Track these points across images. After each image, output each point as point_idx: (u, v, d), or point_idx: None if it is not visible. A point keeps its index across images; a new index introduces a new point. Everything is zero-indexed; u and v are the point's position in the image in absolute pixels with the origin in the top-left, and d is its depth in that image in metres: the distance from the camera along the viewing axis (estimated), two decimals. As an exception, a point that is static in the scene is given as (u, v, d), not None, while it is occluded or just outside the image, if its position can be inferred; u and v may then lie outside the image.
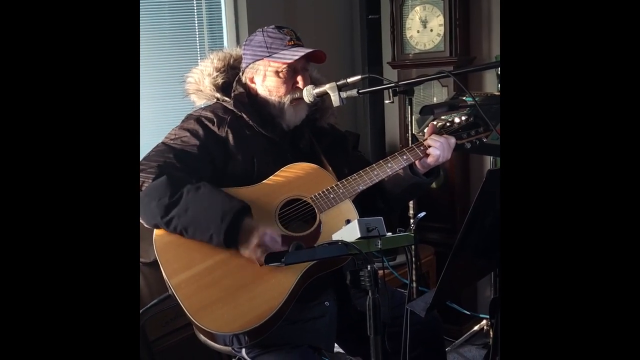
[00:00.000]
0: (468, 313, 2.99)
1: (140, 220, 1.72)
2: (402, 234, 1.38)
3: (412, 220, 2.21)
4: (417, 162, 1.84)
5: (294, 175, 1.80)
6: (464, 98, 2.28)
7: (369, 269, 1.28)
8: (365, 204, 1.87)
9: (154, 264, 1.75)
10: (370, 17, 3.07)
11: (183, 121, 1.87)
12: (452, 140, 1.83)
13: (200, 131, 1.80)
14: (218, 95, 1.90)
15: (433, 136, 1.82)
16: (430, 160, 1.81)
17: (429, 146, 1.81)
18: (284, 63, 1.81)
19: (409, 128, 2.12)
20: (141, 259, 2.42)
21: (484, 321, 3.06)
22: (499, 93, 2.49)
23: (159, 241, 1.71)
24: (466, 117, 1.90)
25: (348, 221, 1.38)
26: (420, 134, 2.19)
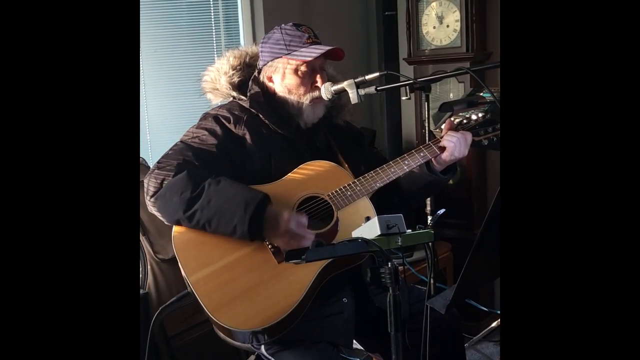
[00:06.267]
0: (486, 309, 2.98)
1: (161, 217, 1.74)
2: (422, 230, 1.38)
3: (430, 217, 2.20)
4: (433, 159, 1.83)
5: (311, 173, 1.80)
6: (482, 94, 2.27)
7: (389, 266, 1.28)
8: (380, 199, 1.87)
9: (172, 261, 1.76)
10: (386, 13, 3.06)
11: (200, 120, 1.88)
12: (469, 136, 1.82)
13: (218, 130, 1.81)
14: (234, 94, 1.90)
15: (449, 132, 1.81)
16: (445, 155, 1.80)
17: (444, 140, 1.79)
18: (304, 61, 1.81)
19: (426, 124, 2.11)
20: (159, 256, 2.44)
21: (502, 318, 3.04)
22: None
23: (178, 239, 1.72)
24: (483, 113, 1.89)
25: (368, 218, 1.38)
26: (438, 130, 2.18)
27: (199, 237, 1.71)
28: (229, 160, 1.79)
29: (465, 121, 1.89)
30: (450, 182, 3.06)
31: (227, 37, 3.08)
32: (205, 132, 1.80)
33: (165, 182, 1.69)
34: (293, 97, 1.85)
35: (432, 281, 1.57)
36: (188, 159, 1.74)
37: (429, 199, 2.30)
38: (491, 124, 1.86)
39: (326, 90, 1.82)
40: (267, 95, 1.89)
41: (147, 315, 2.31)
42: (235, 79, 1.91)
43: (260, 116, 1.84)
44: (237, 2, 3.09)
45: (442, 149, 1.80)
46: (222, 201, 1.65)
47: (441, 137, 1.82)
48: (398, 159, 1.82)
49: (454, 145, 1.78)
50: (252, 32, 3.10)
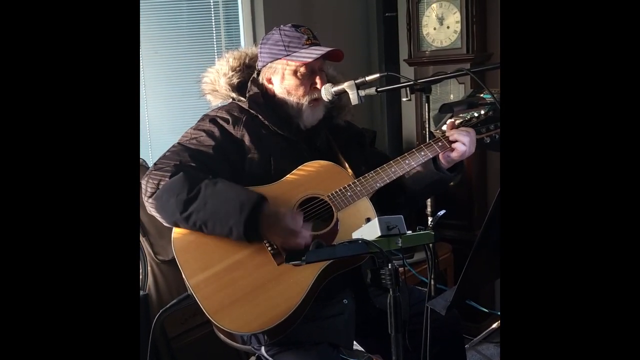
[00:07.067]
0: (486, 310, 2.96)
1: (159, 218, 1.74)
2: (422, 232, 1.37)
3: (430, 218, 2.20)
4: (441, 157, 1.82)
5: (310, 174, 1.80)
6: (482, 95, 2.27)
7: (389, 267, 1.28)
8: (386, 199, 1.87)
9: (173, 262, 1.76)
10: (386, 14, 3.07)
11: (199, 121, 1.88)
12: (473, 133, 1.81)
13: (216, 131, 1.81)
14: (233, 95, 1.90)
15: (461, 129, 1.80)
16: (455, 154, 1.80)
17: (455, 140, 1.79)
18: (303, 63, 1.81)
19: (426, 125, 2.11)
20: (160, 257, 2.44)
21: (502, 319, 3.03)
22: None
23: (178, 242, 1.72)
24: (485, 111, 1.89)
25: (368, 219, 1.38)
26: (438, 131, 2.18)
27: (199, 240, 1.71)
28: (227, 162, 1.79)
29: (467, 119, 1.88)
30: (451, 183, 3.07)
31: (227, 38, 3.07)
32: (203, 134, 1.80)
33: (162, 183, 1.69)
34: (292, 99, 1.85)
35: (432, 282, 1.57)
36: (185, 161, 1.74)
37: (429, 200, 2.30)
38: (493, 121, 1.85)
39: (326, 91, 1.82)
40: (267, 97, 1.88)
41: (147, 317, 2.31)
42: (235, 80, 1.91)
43: (260, 117, 1.84)
44: (237, 3, 3.09)
45: (444, 147, 1.80)
46: (217, 203, 1.65)
47: (443, 136, 1.82)
48: (398, 158, 1.81)
49: (465, 147, 1.77)
50: (253, 33, 3.10)
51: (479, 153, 3.20)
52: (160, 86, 2.95)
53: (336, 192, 1.77)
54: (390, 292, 1.30)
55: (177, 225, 1.72)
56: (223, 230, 1.66)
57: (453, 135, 1.79)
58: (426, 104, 1.94)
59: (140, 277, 2.42)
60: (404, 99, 1.87)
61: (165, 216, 1.72)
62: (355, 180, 1.79)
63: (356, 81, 1.79)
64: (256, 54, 1.94)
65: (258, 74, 1.91)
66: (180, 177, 1.68)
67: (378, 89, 1.82)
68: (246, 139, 1.81)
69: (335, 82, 1.84)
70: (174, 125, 2.93)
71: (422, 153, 1.81)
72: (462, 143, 1.77)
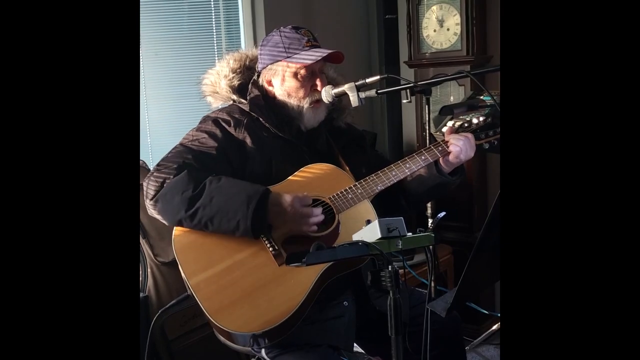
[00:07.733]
0: (486, 312, 2.97)
1: (161, 219, 1.74)
2: (422, 234, 1.37)
3: (430, 220, 2.20)
4: (442, 161, 1.83)
5: (311, 176, 1.80)
6: (482, 97, 2.27)
7: (389, 269, 1.28)
8: (388, 202, 1.87)
9: (172, 264, 1.76)
10: (387, 16, 3.07)
11: (200, 122, 1.87)
12: (472, 138, 1.82)
13: (218, 133, 1.81)
14: (234, 97, 1.90)
15: (454, 135, 1.81)
16: (451, 158, 1.80)
17: (451, 144, 1.80)
18: (303, 65, 1.81)
19: (427, 127, 2.11)
20: (160, 258, 2.44)
21: (502, 321, 3.03)
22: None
23: (178, 242, 1.72)
24: (484, 117, 1.90)
25: (368, 221, 1.38)
26: (438, 133, 2.18)
27: (200, 240, 1.71)
28: (229, 164, 1.79)
29: (466, 125, 1.89)
30: (452, 186, 3.06)
31: (228, 40, 3.07)
32: (205, 135, 1.80)
33: (166, 183, 1.69)
34: (293, 101, 1.85)
35: (432, 284, 1.57)
36: (188, 162, 1.74)
37: (430, 202, 2.30)
38: (492, 128, 1.86)
39: (327, 93, 1.82)
40: (267, 99, 1.88)
41: (147, 319, 2.31)
42: (235, 82, 1.91)
43: (261, 120, 1.84)
44: (238, 5, 3.09)
45: (444, 151, 1.80)
46: (224, 198, 1.65)
47: (443, 141, 1.82)
48: (399, 162, 1.82)
49: (459, 149, 1.78)
50: (253, 35, 3.10)
51: (479, 156, 3.20)
52: (161, 88, 2.95)
53: (337, 194, 1.77)
54: (391, 294, 1.30)
55: (181, 224, 1.72)
56: (230, 225, 1.65)
57: (449, 139, 1.80)
58: (426, 106, 1.95)
59: (140, 279, 2.42)
60: (404, 101, 1.87)
61: (169, 215, 1.71)
62: (357, 183, 1.79)
63: (356, 83, 1.79)
64: (256, 56, 1.94)
65: (258, 76, 1.91)
66: (184, 175, 1.69)
67: (378, 91, 1.82)
68: (247, 141, 1.81)
69: (335, 84, 1.85)
70: (174, 127, 2.93)
71: (423, 157, 1.81)
72: (456, 145, 1.78)
